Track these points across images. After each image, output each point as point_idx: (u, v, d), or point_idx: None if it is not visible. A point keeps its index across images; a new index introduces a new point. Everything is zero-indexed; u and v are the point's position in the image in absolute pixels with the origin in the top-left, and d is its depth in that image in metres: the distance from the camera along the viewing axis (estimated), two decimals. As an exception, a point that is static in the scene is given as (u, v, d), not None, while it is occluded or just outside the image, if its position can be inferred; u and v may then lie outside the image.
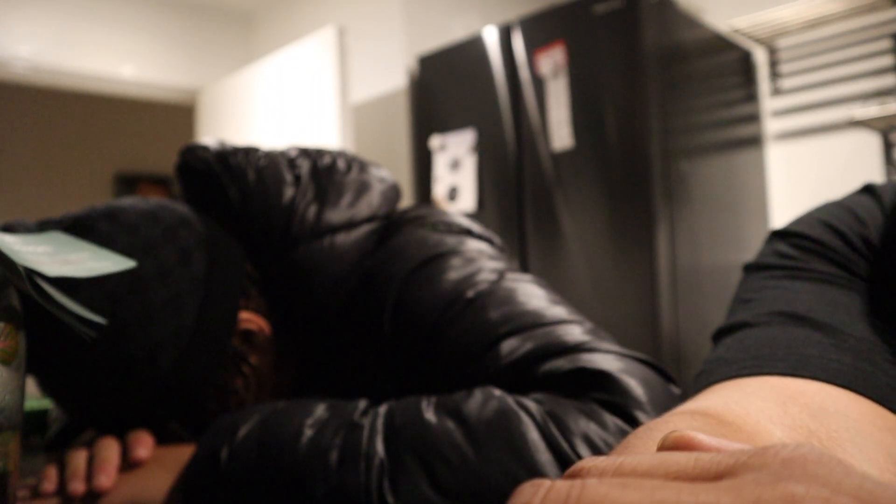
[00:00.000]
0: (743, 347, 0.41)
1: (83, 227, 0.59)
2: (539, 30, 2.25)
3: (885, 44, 2.32)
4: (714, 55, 2.36)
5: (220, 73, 3.57)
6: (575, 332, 0.60)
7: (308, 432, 0.56)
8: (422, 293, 0.64)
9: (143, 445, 0.59)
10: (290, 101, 2.90)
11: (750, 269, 0.50)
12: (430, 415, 0.55)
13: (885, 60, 2.32)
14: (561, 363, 0.57)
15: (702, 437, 0.22)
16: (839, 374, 0.37)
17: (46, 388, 0.60)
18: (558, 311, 0.62)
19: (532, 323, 0.60)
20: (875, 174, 2.31)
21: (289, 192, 0.68)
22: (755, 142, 2.52)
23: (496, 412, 0.54)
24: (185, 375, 0.60)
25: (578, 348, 0.58)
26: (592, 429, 0.53)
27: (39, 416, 0.71)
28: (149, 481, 0.58)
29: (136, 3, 3.40)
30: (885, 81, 2.31)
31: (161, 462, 0.59)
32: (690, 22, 2.25)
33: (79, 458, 0.58)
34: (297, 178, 0.70)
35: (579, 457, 0.51)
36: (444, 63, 2.54)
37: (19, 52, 3.05)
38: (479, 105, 2.40)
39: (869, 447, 0.33)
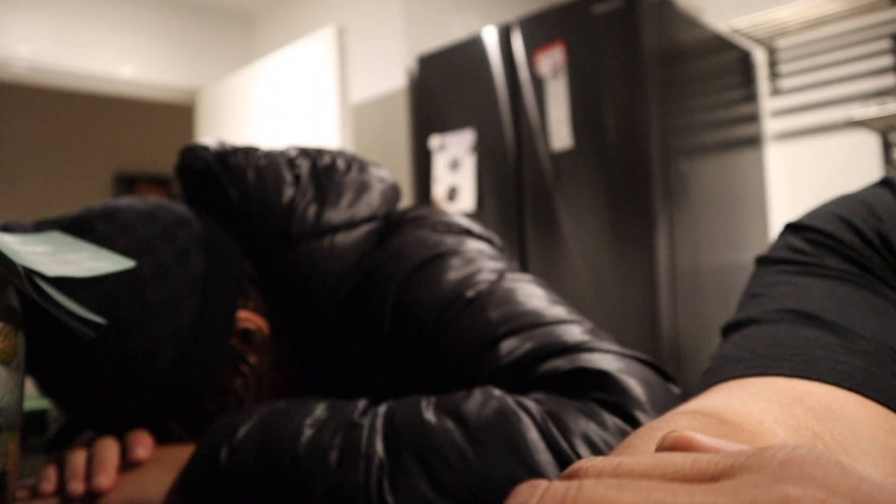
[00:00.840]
0: (750, 346, 0.41)
1: (81, 228, 0.59)
2: (539, 30, 2.25)
3: (885, 44, 2.32)
4: (713, 55, 2.36)
5: (220, 73, 3.57)
6: (574, 332, 0.60)
7: (307, 432, 0.56)
8: (421, 293, 0.64)
9: (143, 445, 0.59)
10: (290, 101, 2.90)
11: (762, 262, 0.49)
12: (429, 415, 0.55)
13: (885, 60, 2.32)
14: (560, 363, 0.57)
15: (701, 438, 0.22)
16: (847, 376, 0.36)
17: (45, 388, 0.60)
18: (558, 310, 0.62)
19: (532, 323, 0.60)
20: (874, 174, 2.31)
21: (288, 191, 0.68)
22: (755, 142, 2.52)
23: (496, 412, 0.54)
24: (184, 375, 0.60)
25: (578, 348, 0.58)
26: (592, 429, 0.53)
27: (38, 416, 0.71)
28: (148, 481, 0.58)
29: (136, 3, 3.40)
30: (885, 81, 2.31)
31: (160, 462, 0.59)
32: (690, 22, 2.25)
33: (78, 458, 0.58)
34: (297, 178, 0.70)
35: (579, 457, 0.51)
36: (443, 63, 2.54)
37: (19, 52, 3.05)
38: (479, 105, 2.40)
39: (875, 451, 0.33)
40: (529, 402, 0.55)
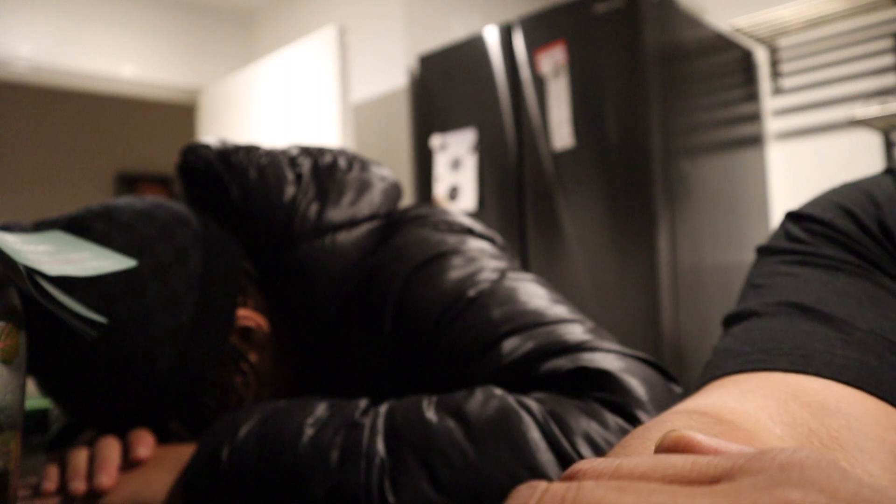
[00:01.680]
0: (750, 339, 0.41)
1: (79, 227, 0.59)
2: (540, 29, 2.25)
3: (886, 43, 2.31)
4: (715, 54, 2.36)
5: (220, 73, 3.57)
6: (576, 332, 0.59)
7: (309, 431, 0.56)
8: (423, 292, 0.64)
9: (144, 444, 0.59)
10: (291, 100, 2.90)
11: (762, 252, 0.48)
12: (430, 414, 0.55)
13: (886, 60, 2.32)
14: (562, 362, 0.57)
15: (700, 438, 0.22)
16: (844, 370, 0.36)
17: (46, 387, 0.60)
18: (559, 310, 0.62)
19: (533, 322, 0.60)
20: (876, 173, 2.30)
21: (290, 190, 0.68)
22: (756, 141, 2.52)
23: (497, 411, 0.54)
24: (184, 373, 0.60)
25: (579, 347, 0.58)
26: (594, 428, 0.53)
27: (40, 416, 0.71)
28: (149, 480, 0.58)
29: (137, 2, 3.40)
30: (886, 81, 2.31)
31: (162, 461, 0.59)
32: (691, 21, 2.24)
33: (79, 458, 0.58)
34: (299, 177, 0.70)
35: (581, 456, 0.51)
36: (444, 62, 2.54)
37: (19, 51, 3.05)
38: (480, 104, 2.40)
39: (871, 447, 0.33)
40: (531, 402, 0.55)
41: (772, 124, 2.56)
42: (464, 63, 2.47)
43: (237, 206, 0.68)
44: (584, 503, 0.17)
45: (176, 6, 3.52)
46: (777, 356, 0.38)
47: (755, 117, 2.53)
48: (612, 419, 0.53)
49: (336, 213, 0.69)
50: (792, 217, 0.48)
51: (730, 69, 2.42)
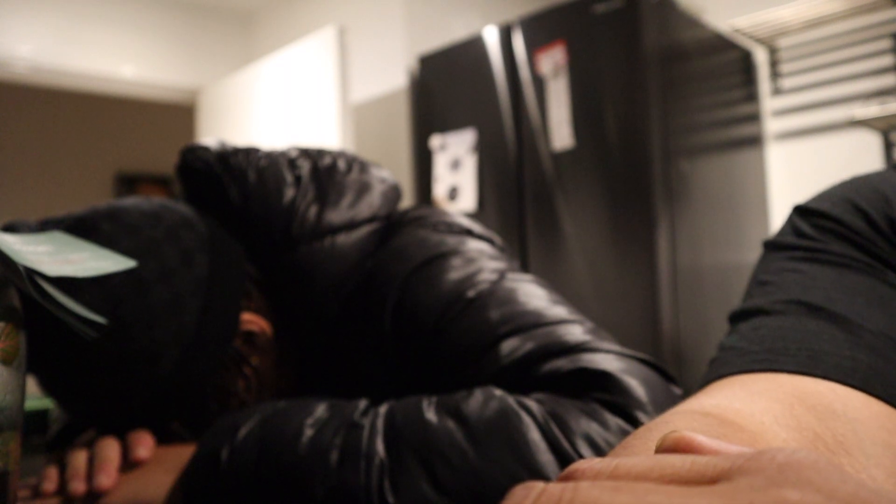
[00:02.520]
0: (757, 337, 0.40)
1: (85, 228, 0.59)
2: (539, 29, 2.25)
3: (886, 43, 2.32)
4: (714, 55, 2.36)
5: (220, 73, 3.57)
6: (576, 332, 0.59)
7: (308, 432, 0.56)
8: (422, 293, 0.64)
9: (144, 445, 0.59)
10: (291, 101, 2.90)
11: (769, 247, 0.47)
12: (430, 415, 0.55)
13: (886, 60, 2.32)
14: (562, 363, 0.57)
15: (700, 439, 0.21)
16: (852, 372, 0.36)
17: (47, 387, 0.60)
18: (559, 310, 0.62)
19: (533, 323, 0.60)
20: (875, 174, 2.30)
21: (289, 192, 0.68)
22: (755, 141, 2.52)
23: (497, 412, 0.54)
24: (187, 376, 0.60)
25: (579, 348, 0.58)
26: (594, 429, 0.53)
27: (40, 416, 0.71)
28: (149, 481, 0.58)
29: (136, 2, 3.40)
30: (886, 81, 2.31)
31: (161, 462, 0.59)
32: (691, 21, 2.25)
33: (79, 458, 0.58)
34: (298, 179, 0.70)
35: (581, 457, 0.51)
36: (444, 63, 2.54)
37: (19, 51, 3.05)
38: (480, 105, 2.40)
39: (877, 451, 0.32)
40: (531, 402, 0.55)
41: (771, 125, 2.56)
42: (463, 63, 2.47)
43: (236, 208, 0.68)
44: (580, 503, 0.18)
45: (176, 6, 3.52)
46: (784, 357, 0.38)
47: (755, 118, 2.53)
48: (613, 420, 0.53)
49: (335, 215, 0.69)
50: (800, 212, 0.47)
51: (729, 69, 2.43)
